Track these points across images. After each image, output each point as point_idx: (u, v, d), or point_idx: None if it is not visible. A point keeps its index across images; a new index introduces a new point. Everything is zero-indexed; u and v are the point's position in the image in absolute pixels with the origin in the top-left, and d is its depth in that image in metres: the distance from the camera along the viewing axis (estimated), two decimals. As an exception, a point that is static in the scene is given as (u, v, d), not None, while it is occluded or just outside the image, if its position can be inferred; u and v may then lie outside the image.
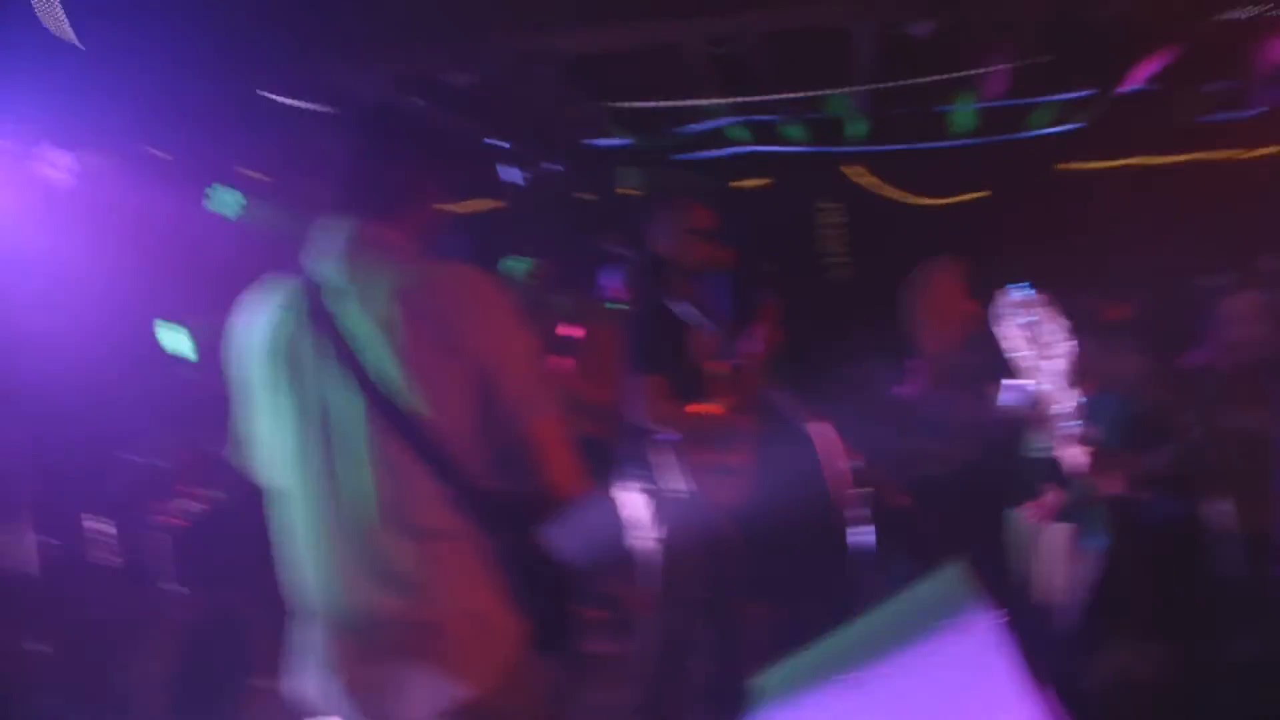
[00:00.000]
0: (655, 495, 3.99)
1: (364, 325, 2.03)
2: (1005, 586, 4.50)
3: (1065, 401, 3.05)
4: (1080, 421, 3.03)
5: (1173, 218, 7.15)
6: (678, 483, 3.92)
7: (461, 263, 2.11)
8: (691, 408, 3.96)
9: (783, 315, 4.31)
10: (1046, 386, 3.05)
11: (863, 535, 2.92)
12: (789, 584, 5.60)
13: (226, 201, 6.18)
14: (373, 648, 2.05)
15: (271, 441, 2.17)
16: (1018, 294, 3.15)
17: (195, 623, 4.20)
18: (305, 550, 2.12)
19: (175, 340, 5.27)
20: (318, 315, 2.08)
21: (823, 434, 2.93)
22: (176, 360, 5.25)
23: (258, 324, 2.17)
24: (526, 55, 4.31)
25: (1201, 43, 4.86)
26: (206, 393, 4.99)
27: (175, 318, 5.31)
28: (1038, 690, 1.39)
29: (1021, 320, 3.10)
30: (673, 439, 3.92)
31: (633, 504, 4.08)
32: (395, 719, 2.05)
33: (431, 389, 2.01)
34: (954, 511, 5.30)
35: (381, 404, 2.01)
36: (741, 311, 4.40)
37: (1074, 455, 3.07)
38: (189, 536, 4.61)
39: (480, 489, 2.06)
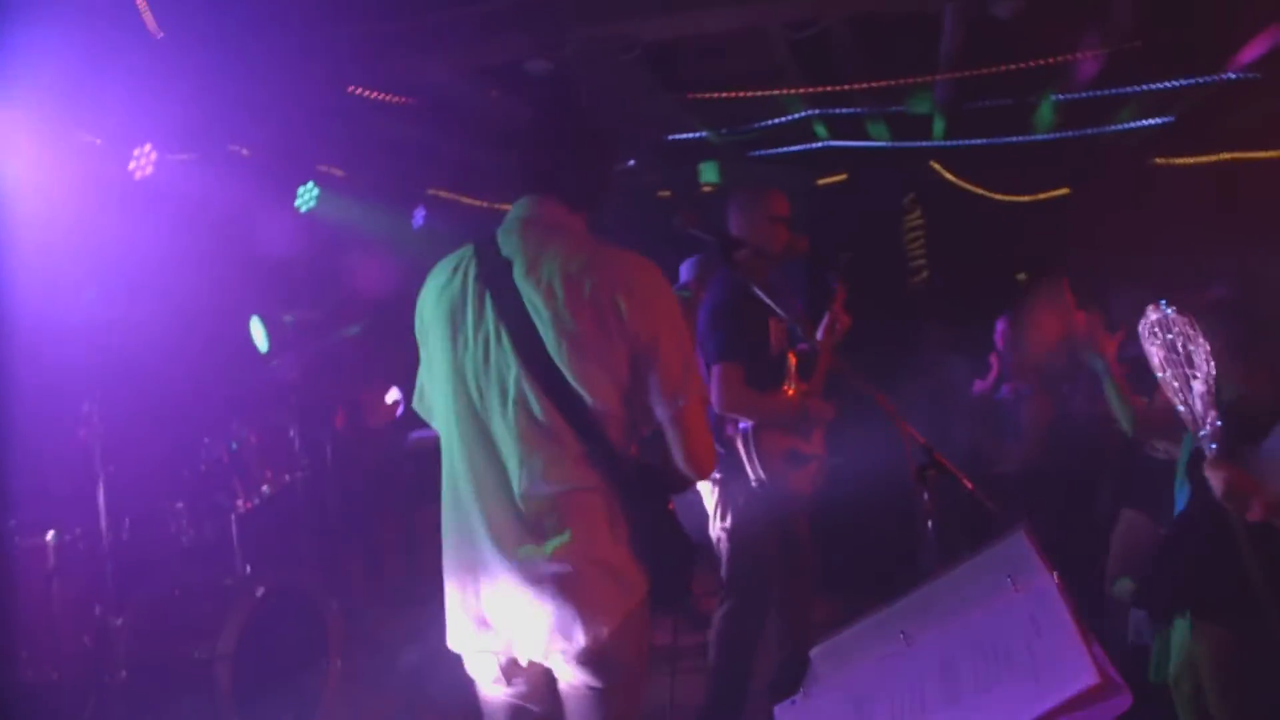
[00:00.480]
0: (729, 484, 3.98)
1: (531, 293, 2.20)
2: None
3: (1207, 421, 2.99)
4: (1216, 444, 2.97)
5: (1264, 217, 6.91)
6: (753, 471, 3.91)
7: (632, 251, 2.30)
8: (768, 395, 3.94)
9: (860, 306, 4.27)
10: (1188, 407, 3.01)
11: (934, 528, 2.88)
12: (860, 576, 5.55)
13: (311, 198, 6.31)
14: (515, 589, 2.25)
15: (438, 391, 2.39)
16: (1156, 313, 3.09)
17: (270, 603, 4.28)
18: (461, 493, 2.32)
19: (257, 333, 5.40)
20: (488, 279, 2.27)
21: (898, 423, 2.90)
22: (255, 351, 5.38)
23: (433, 285, 2.40)
24: (607, 43, 4.32)
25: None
26: (284, 382, 5.16)
27: (255, 311, 5.44)
28: (1094, 650, 1.35)
29: (1161, 339, 3.06)
30: (748, 426, 3.90)
31: (707, 493, 4.08)
32: (529, 655, 2.29)
33: (588, 358, 2.19)
34: (1025, 513, 5.23)
35: (536, 365, 2.20)
36: (818, 300, 4.37)
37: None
38: (266, 519, 4.71)
39: (620, 453, 2.27)
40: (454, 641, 2.39)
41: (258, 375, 5.14)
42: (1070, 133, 7.02)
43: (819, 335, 4.12)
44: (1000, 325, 5.80)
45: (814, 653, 1.96)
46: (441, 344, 2.32)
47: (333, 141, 6.29)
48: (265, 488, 4.62)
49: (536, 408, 2.21)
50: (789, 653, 4.19)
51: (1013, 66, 5.25)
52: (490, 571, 2.26)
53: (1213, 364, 2.97)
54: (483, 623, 2.31)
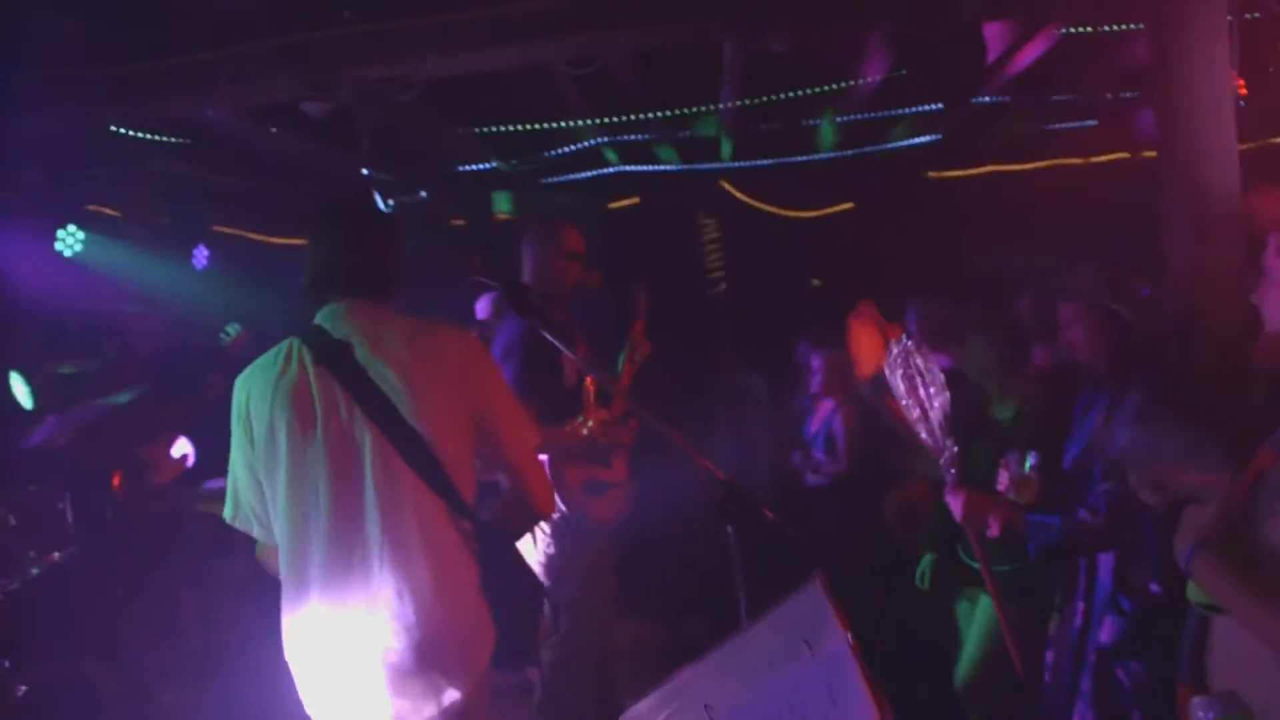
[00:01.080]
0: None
1: (379, 367, 2.37)
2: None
3: (945, 448, 3.16)
4: (955, 470, 3.16)
5: (1029, 222, 7.42)
6: (560, 504, 3.88)
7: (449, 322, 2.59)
8: (564, 428, 3.92)
9: (656, 332, 4.33)
10: (930, 435, 3.17)
11: (737, 551, 2.91)
12: (669, 602, 5.63)
13: (76, 241, 5.89)
14: (374, 656, 2.31)
15: (283, 475, 2.41)
16: (898, 345, 3.24)
17: (37, 697, 3.93)
18: (310, 571, 2.37)
19: (19, 390, 4.98)
20: (330, 361, 2.39)
21: (695, 459, 2.93)
22: (16, 414, 4.96)
23: (261, 378, 2.44)
24: (382, 84, 4.23)
25: (1047, 58, 5.05)
26: (51, 448, 4.77)
27: (19, 365, 5.02)
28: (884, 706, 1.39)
29: (902, 370, 3.20)
30: (545, 460, 3.87)
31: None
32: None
33: (441, 419, 2.37)
34: (829, 525, 5.43)
35: (391, 431, 2.33)
36: (614, 331, 4.40)
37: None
38: (36, 602, 4.33)
39: (471, 507, 2.41)
40: (315, 713, 2.42)
41: (15, 443, 4.72)
42: (849, 151, 7.36)
43: (620, 366, 4.16)
44: (803, 345, 5.94)
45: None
46: (289, 429, 2.37)
47: (104, 181, 5.92)
48: (34, 569, 4.24)
49: (394, 470, 2.34)
50: (600, 686, 4.18)
51: (791, 94, 5.43)
52: (353, 639, 2.32)
53: (945, 394, 3.15)
54: (345, 692, 2.35)
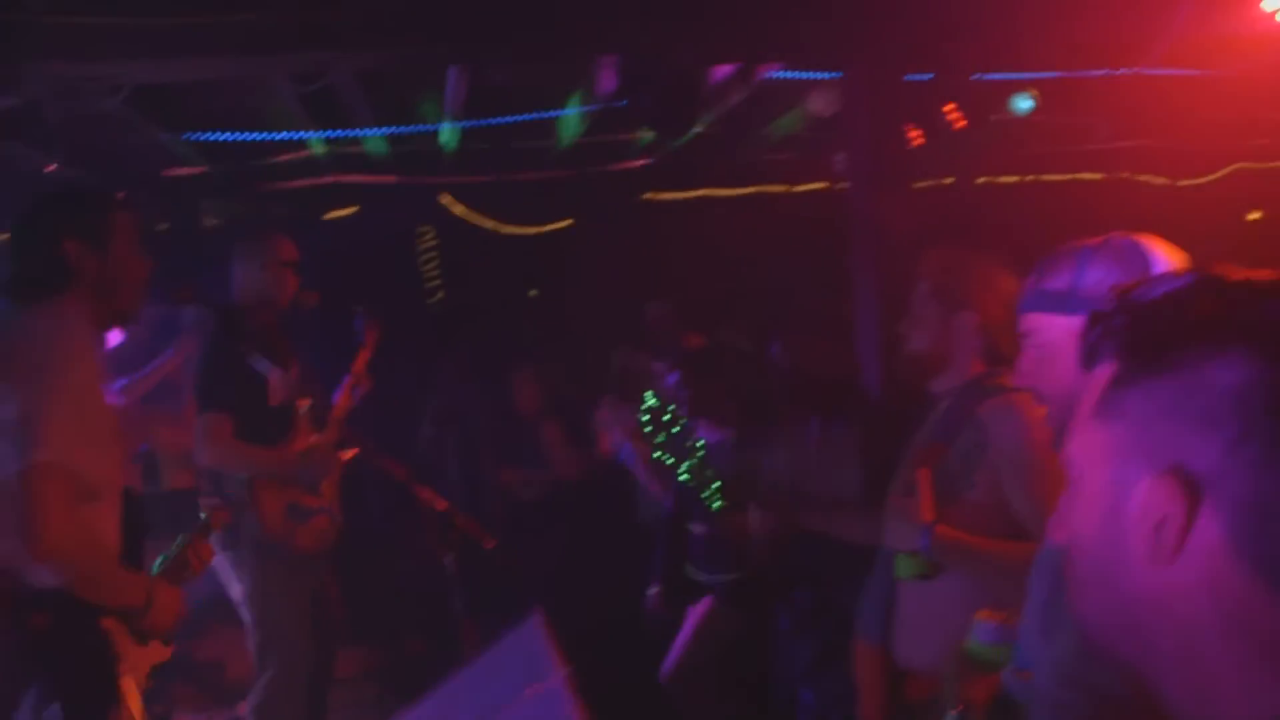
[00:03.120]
0: (238, 544, 3.82)
1: None
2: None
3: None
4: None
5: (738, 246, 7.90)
6: (252, 528, 3.77)
7: None
8: (264, 448, 3.83)
9: (372, 348, 4.29)
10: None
11: (455, 580, 2.99)
12: (388, 625, 5.60)
13: None
14: None
15: None
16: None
17: None
18: None
19: None
20: None
21: (413, 488, 2.97)
22: None
23: None
24: (83, 83, 3.96)
25: (752, 96, 5.43)
26: None
27: None
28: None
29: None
30: (246, 483, 3.76)
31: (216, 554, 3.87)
32: None
33: None
34: (546, 537, 5.59)
35: None
36: (327, 348, 4.33)
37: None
38: None
39: None
40: None
41: None
42: (571, 170, 7.56)
43: (331, 386, 4.10)
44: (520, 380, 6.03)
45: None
46: None
47: None
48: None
49: None
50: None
51: (513, 119, 5.53)
52: None
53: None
54: None
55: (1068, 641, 1.37)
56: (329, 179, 6.95)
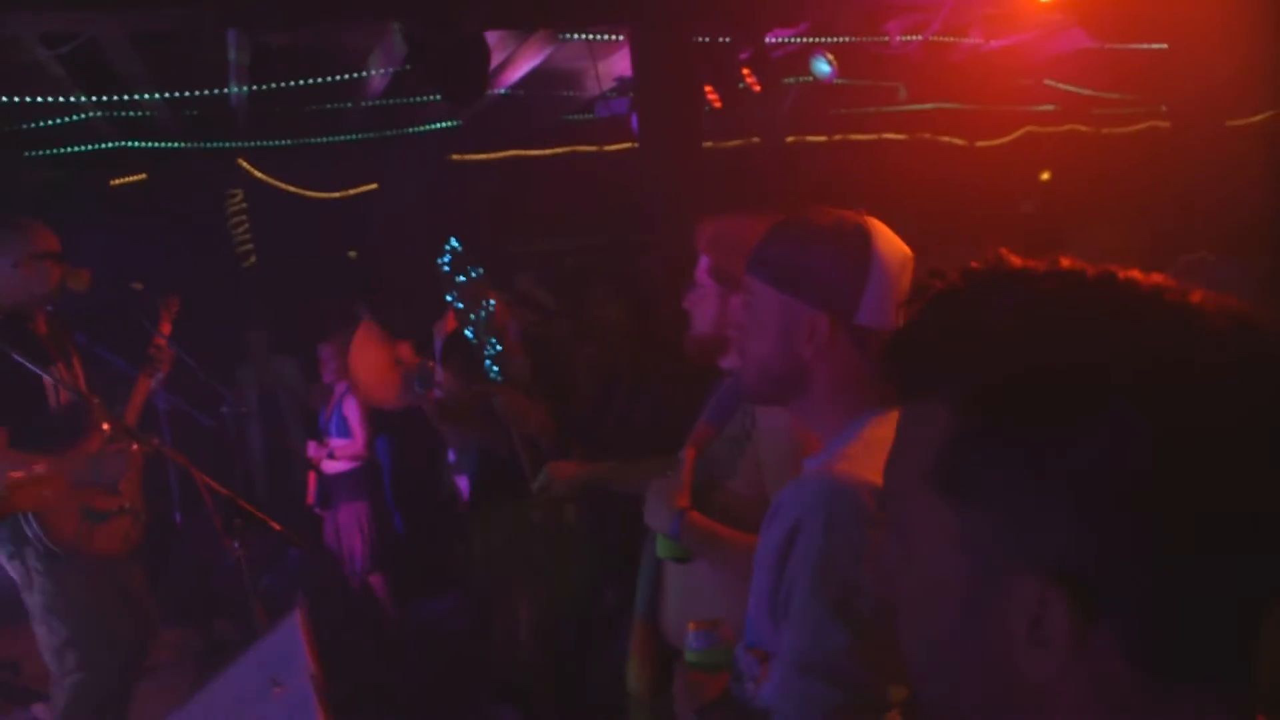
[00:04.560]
0: (24, 553, 3.60)
1: None
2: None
3: None
4: None
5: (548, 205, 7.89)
6: (37, 534, 3.56)
7: None
8: (64, 452, 3.60)
9: (168, 331, 4.09)
10: None
11: (246, 565, 2.93)
12: (199, 604, 5.43)
13: None
14: None
15: None
16: None
17: None
18: None
19: None
20: None
21: (198, 478, 2.87)
22: None
23: None
24: None
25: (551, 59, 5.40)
26: None
27: None
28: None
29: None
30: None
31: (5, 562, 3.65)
32: None
33: None
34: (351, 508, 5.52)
35: None
36: (133, 330, 4.09)
37: None
38: None
39: None
40: None
41: None
42: (373, 134, 7.36)
43: (128, 375, 3.89)
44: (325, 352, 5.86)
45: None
46: None
47: None
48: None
49: None
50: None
51: (306, 81, 5.33)
52: None
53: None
54: None
55: (802, 634, 1.40)
56: (112, 145, 6.54)
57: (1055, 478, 0.63)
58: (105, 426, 3.70)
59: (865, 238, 1.55)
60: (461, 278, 3.80)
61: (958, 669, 0.71)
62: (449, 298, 3.83)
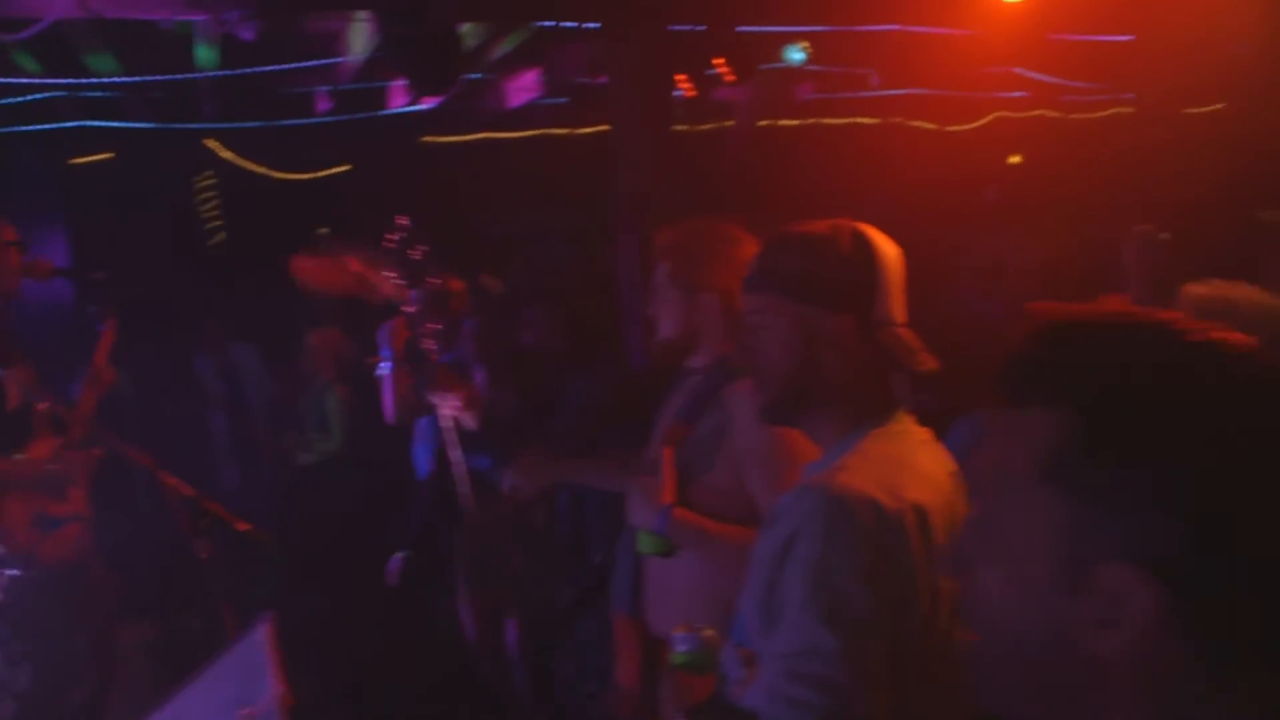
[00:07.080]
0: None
1: None
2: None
3: None
4: None
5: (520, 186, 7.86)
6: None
7: None
8: (12, 456, 3.52)
9: (112, 335, 3.95)
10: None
11: (212, 565, 2.93)
12: (167, 597, 5.40)
13: None
14: None
15: None
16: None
17: None
18: None
19: None
20: None
21: (161, 477, 2.84)
22: None
23: None
24: None
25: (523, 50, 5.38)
26: None
27: None
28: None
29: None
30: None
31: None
32: None
33: None
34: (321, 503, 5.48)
35: None
36: (76, 330, 4.02)
37: None
38: None
39: None
40: None
41: None
42: (345, 116, 7.28)
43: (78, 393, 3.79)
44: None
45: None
46: None
47: None
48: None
49: None
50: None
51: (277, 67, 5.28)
52: None
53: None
54: None
55: (793, 640, 1.42)
56: (74, 124, 6.44)
57: (1156, 478, 0.72)
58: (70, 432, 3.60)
59: (865, 239, 1.62)
60: (412, 256, 3.76)
61: (1031, 649, 0.78)
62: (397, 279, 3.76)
